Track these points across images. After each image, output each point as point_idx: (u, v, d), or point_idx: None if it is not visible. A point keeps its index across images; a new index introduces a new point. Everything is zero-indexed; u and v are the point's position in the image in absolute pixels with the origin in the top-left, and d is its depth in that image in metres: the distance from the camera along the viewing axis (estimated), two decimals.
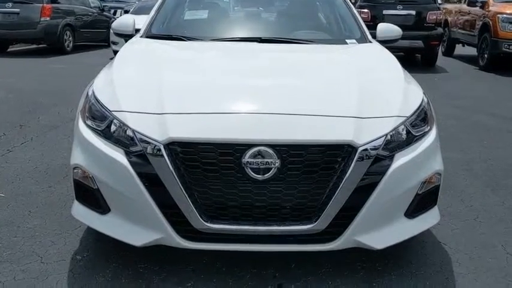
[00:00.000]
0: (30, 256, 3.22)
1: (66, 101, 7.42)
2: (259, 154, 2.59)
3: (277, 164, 2.60)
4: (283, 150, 2.61)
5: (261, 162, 2.59)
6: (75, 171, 2.94)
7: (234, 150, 2.60)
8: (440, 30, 12.60)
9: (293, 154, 2.62)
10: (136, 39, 4.20)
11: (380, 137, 2.70)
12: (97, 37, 16.38)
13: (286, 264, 3.11)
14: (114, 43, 12.93)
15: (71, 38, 14.79)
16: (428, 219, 3.03)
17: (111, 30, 8.50)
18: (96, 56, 14.13)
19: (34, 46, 15.53)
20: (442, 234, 3.54)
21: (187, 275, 3.02)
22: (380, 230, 2.82)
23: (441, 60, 13.12)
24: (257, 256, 3.07)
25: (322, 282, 2.97)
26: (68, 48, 14.66)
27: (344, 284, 2.95)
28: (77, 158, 2.93)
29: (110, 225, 2.89)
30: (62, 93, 8.08)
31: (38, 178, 4.49)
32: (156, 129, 2.66)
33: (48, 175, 4.54)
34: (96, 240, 3.37)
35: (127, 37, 4.47)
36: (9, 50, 15.06)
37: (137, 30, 4.41)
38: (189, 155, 2.63)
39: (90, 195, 2.92)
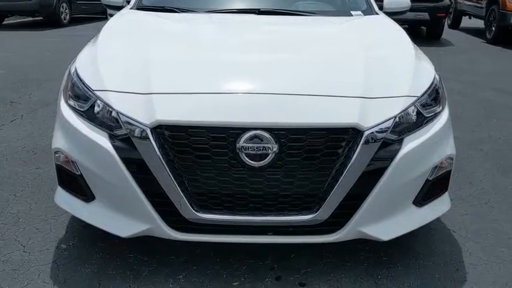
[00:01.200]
0: (12, 245, 3.02)
1: (60, 76, 6.98)
2: (255, 138, 2.36)
3: (274, 149, 2.37)
4: (282, 134, 2.38)
5: (257, 148, 2.37)
6: (56, 155, 2.72)
7: (228, 134, 2.38)
8: (446, 1, 12.23)
9: (292, 138, 2.39)
10: (126, 10, 3.95)
11: (388, 119, 2.46)
12: (94, 9, 16.04)
13: (285, 254, 2.91)
14: (112, 15, 12.56)
15: (67, 10, 14.49)
16: (438, 207, 2.82)
17: None
18: (93, 29, 13.73)
19: (30, 19, 15.22)
20: (451, 220, 3.33)
21: (179, 267, 2.82)
22: (386, 219, 2.61)
23: (447, 33, 12.78)
24: (254, 246, 2.86)
25: (323, 274, 2.77)
26: (65, 21, 14.37)
27: (347, 277, 2.76)
28: (58, 141, 2.71)
29: (94, 214, 2.68)
30: (57, 68, 7.76)
31: (26, 158, 4.27)
32: (142, 111, 2.43)
33: (37, 155, 4.32)
34: (83, 227, 3.16)
35: (117, 9, 4.22)
36: (4, 22, 14.75)
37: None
38: (179, 139, 2.40)
39: (73, 181, 2.71)
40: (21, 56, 8.87)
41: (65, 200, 2.80)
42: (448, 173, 2.78)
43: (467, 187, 3.88)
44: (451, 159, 2.75)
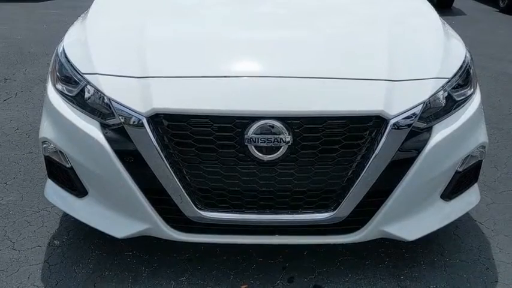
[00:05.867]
0: (1, 241, 2.78)
1: None
2: (265, 129, 2.07)
3: (288, 141, 2.08)
4: (296, 123, 2.09)
5: (268, 139, 2.08)
6: (44, 146, 2.44)
7: (235, 124, 2.09)
8: None
9: (308, 129, 2.10)
10: None
11: (417, 105, 2.17)
12: None
13: (298, 252, 2.64)
14: None
15: None
16: (467, 200, 2.55)
17: None
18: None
19: None
20: (477, 210, 3.04)
21: (181, 267, 2.58)
22: (412, 217, 2.34)
23: (458, 1, 12.28)
24: (265, 246, 2.59)
25: (339, 275, 2.53)
26: None
27: (366, 278, 2.51)
28: (46, 130, 2.42)
29: (87, 212, 2.42)
30: (53, 42, 7.44)
31: (19, 142, 3.99)
32: (138, 97, 2.14)
33: (30, 138, 4.04)
34: (78, 221, 2.86)
35: None
36: None
37: None
38: (179, 129, 2.12)
39: (63, 174, 2.45)
40: (17, 29, 8.45)
41: (56, 194, 2.54)
42: (479, 163, 2.51)
43: (492, 172, 3.59)
44: (483, 147, 2.47)
